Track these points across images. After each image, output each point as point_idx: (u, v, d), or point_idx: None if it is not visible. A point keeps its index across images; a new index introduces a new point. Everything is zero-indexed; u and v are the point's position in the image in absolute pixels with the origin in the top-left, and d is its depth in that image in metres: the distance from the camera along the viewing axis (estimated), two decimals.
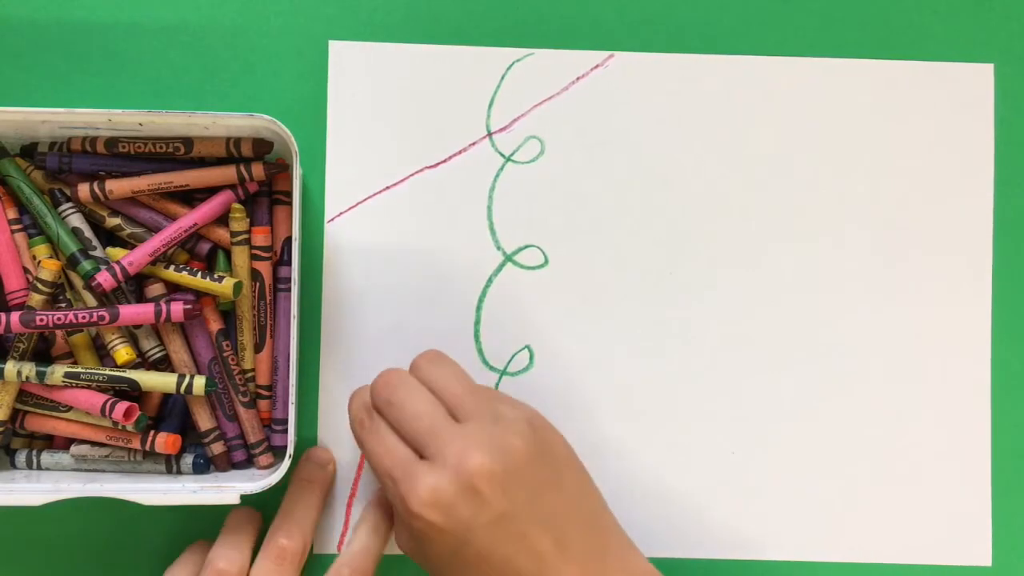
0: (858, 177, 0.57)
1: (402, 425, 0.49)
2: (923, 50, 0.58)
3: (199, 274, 0.52)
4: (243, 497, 0.50)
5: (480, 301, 0.57)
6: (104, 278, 0.51)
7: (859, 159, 0.57)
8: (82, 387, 0.52)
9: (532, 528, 0.47)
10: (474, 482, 0.46)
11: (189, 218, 0.52)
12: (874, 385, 0.57)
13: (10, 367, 0.51)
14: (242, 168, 0.53)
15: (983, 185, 0.57)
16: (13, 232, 0.53)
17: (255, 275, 0.54)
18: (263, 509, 0.55)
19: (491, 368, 0.57)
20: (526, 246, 0.57)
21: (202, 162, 0.54)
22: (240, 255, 0.53)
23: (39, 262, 0.52)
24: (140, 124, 0.51)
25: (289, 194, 0.54)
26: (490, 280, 0.57)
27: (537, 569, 0.47)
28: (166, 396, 0.54)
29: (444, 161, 0.57)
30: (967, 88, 0.58)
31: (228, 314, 0.55)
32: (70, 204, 0.53)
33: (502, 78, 0.57)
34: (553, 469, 0.49)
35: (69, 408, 0.53)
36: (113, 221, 0.53)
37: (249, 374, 0.54)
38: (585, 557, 0.48)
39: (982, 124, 0.58)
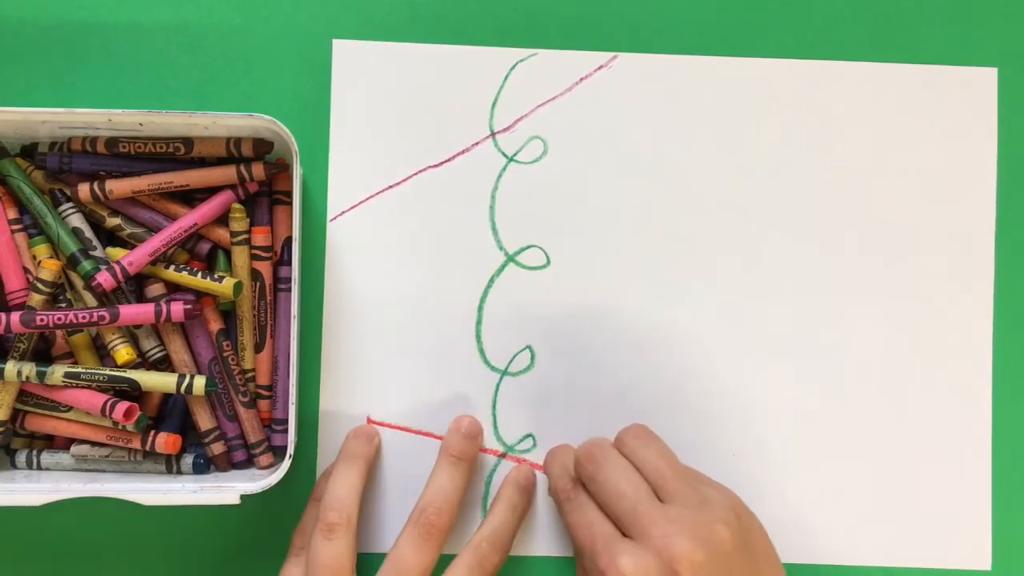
0: (860, 180, 0.57)
1: (607, 502, 0.50)
2: (926, 53, 0.58)
3: (199, 274, 0.52)
4: (243, 497, 0.50)
5: (482, 301, 0.57)
6: (104, 278, 0.51)
7: (862, 162, 0.57)
8: (82, 387, 0.52)
9: None
10: (677, 568, 0.46)
11: (189, 218, 0.52)
12: (874, 387, 0.57)
13: (10, 367, 0.51)
14: (242, 168, 0.53)
15: (986, 188, 0.57)
16: (13, 232, 0.53)
17: (255, 275, 0.54)
18: (263, 509, 0.55)
19: (492, 368, 0.57)
20: (528, 246, 0.57)
21: (202, 162, 0.53)
22: (240, 255, 0.53)
23: (39, 262, 0.52)
24: (140, 124, 0.51)
25: (289, 194, 0.54)
26: (492, 280, 0.57)
27: None
28: (166, 396, 0.54)
29: (447, 161, 0.57)
30: (970, 92, 0.57)
31: (228, 314, 0.55)
32: (70, 204, 0.53)
33: (505, 78, 0.57)
34: (753, 561, 0.49)
35: (69, 408, 0.53)
36: (113, 221, 0.53)
37: (249, 374, 0.54)
38: None
39: (985, 127, 0.57)
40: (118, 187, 0.52)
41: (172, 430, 0.53)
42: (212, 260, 0.54)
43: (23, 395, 0.53)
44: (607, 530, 0.49)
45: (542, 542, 0.56)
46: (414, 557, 0.51)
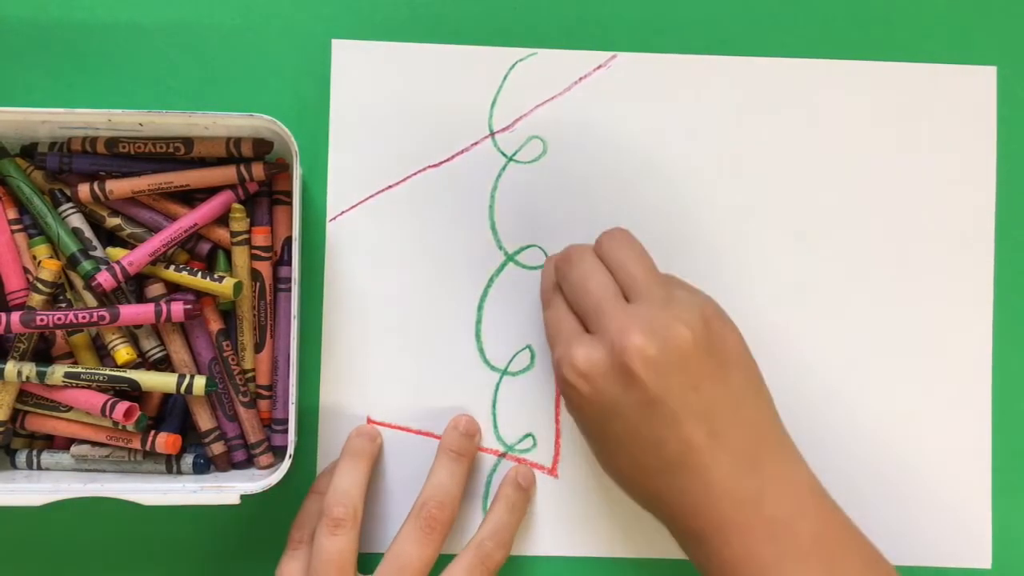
0: (860, 179, 0.57)
1: (574, 300, 0.50)
2: (925, 52, 0.58)
3: (199, 274, 0.52)
4: (243, 497, 0.50)
5: (481, 300, 0.57)
6: (104, 278, 0.51)
7: (861, 161, 0.57)
8: (82, 387, 0.52)
9: (686, 417, 0.46)
10: (627, 361, 0.46)
11: (189, 218, 0.52)
12: (874, 386, 0.57)
13: (10, 367, 0.51)
14: (242, 168, 0.53)
15: (985, 187, 0.57)
16: (13, 232, 0.53)
17: (255, 275, 0.54)
18: (263, 509, 0.55)
19: (492, 367, 0.57)
20: (528, 246, 0.57)
21: (202, 162, 0.53)
22: (240, 255, 0.53)
23: (39, 262, 0.52)
24: (140, 124, 0.51)
25: (289, 194, 0.54)
26: (491, 280, 0.57)
27: (685, 458, 0.47)
28: (166, 396, 0.54)
29: (446, 160, 0.57)
30: (969, 91, 0.57)
31: (228, 314, 0.55)
32: (70, 204, 0.53)
33: (504, 78, 0.57)
34: (719, 364, 0.48)
35: (69, 408, 0.53)
36: (113, 221, 0.53)
37: (249, 374, 0.54)
38: (739, 454, 0.47)
39: (984, 127, 0.57)
40: (118, 187, 0.52)
41: (172, 430, 0.53)
42: (212, 260, 0.54)
43: (23, 395, 0.53)
44: (571, 326, 0.50)
45: (542, 542, 0.56)
46: (416, 551, 0.51)
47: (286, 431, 0.54)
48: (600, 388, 0.47)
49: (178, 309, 0.51)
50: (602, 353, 0.47)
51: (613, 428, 0.48)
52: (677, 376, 0.46)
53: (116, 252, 0.52)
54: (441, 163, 0.57)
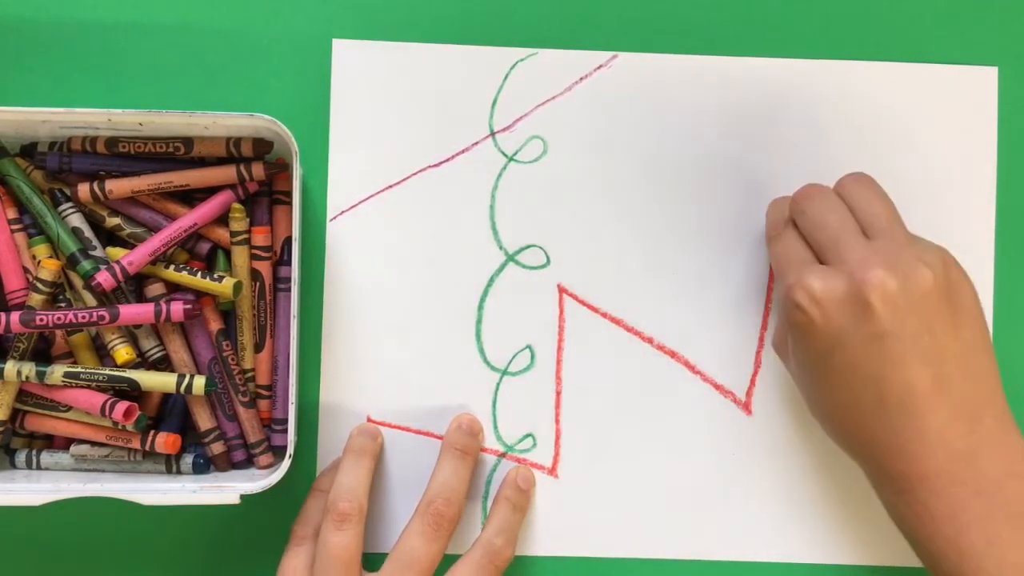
0: None
1: (810, 232, 0.50)
2: (927, 53, 0.58)
3: (199, 274, 0.52)
4: (243, 497, 0.50)
5: (482, 301, 0.57)
6: (104, 278, 0.51)
7: (862, 161, 0.57)
8: (82, 387, 0.52)
9: (912, 359, 0.46)
10: (866, 292, 0.46)
11: (189, 218, 0.52)
12: None
13: (10, 367, 0.51)
14: (242, 168, 0.53)
15: (986, 188, 0.57)
16: (13, 232, 0.53)
17: (255, 275, 0.54)
18: (263, 509, 0.55)
19: (492, 368, 0.57)
20: (528, 246, 0.57)
21: (202, 162, 0.53)
22: (240, 255, 0.53)
23: (39, 262, 0.52)
24: (140, 124, 0.51)
25: (289, 194, 0.54)
26: (492, 280, 0.57)
27: (906, 399, 0.46)
28: (166, 396, 0.54)
29: (447, 160, 0.57)
30: (971, 91, 0.57)
31: (228, 314, 0.55)
32: (70, 204, 0.53)
33: (505, 78, 0.57)
34: (954, 313, 0.47)
35: (69, 408, 0.53)
36: (113, 221, 0.53)
37: (249, 374, 0.54)
38: (960, 407, 0.47)
39: (985, 127, 0.57)
40: (118, 187, 0.52)
41: (172, 430, 0.53)
42: (212, 260, 0.54)
43: (23, 395, 0.53)
44: (805, 255, 0.50)
45: (542, 542, 0.56)
46: (424, 547, 0.51)
47: (286, 431, 0.54)
48: (832, 316, 0.47)
49: (178, 309, 0.51)
50: (840, 282, 0.47)
51: (835, 360, 0.47)
52: (912, 316, 0.46)
53: (116, 252, 0.52)
54: (441, 163, 0.57)
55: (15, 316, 0.51)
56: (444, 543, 0.52)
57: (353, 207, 0.57)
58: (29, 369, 0.51)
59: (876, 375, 0.47)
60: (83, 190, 0.52)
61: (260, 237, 0.54)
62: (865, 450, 0.49)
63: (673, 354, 0.57)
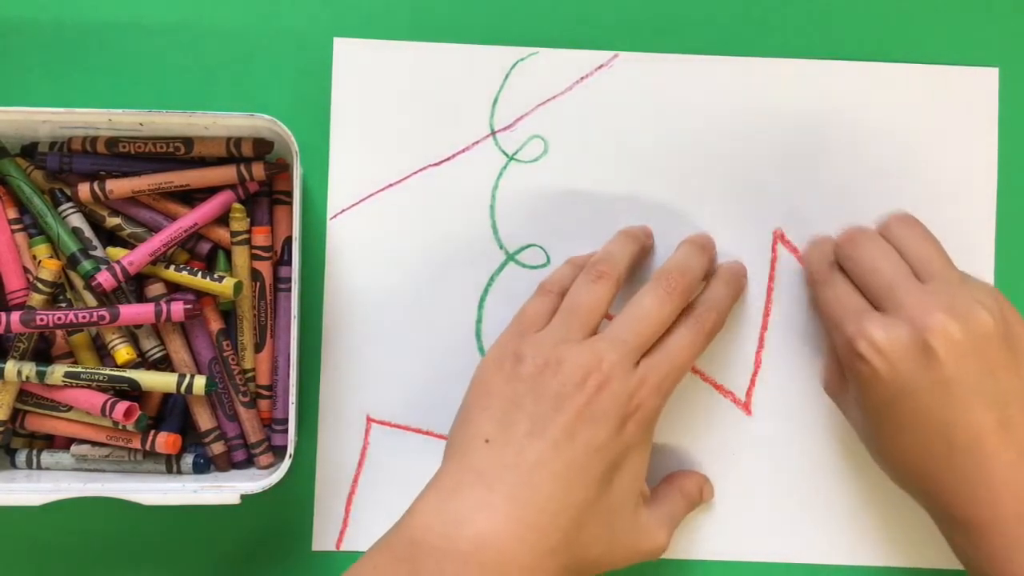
0: (861, 180, 0.57)
1: (862, 278, 0.50)
2: (927, 53, 0.57)
3: (199, 274, 0.52)
4: (243, 497, 0.50)
5: (482, 300, 0.57)
6: (104, 278, 0.51)
7: (862, 162, 0.57)
8: (82, 387, 0.52)
9: (977, 402, 0.47)
10: (930, 340, 0.46)
11: (189, 218, 0.52)
12: None
13: (10, 367, 0.51)
14: (242, 168, 0.53)
15: (986, 189, 0.57)
16: (13, 232, 0.53)
17: (255, 275, 0.54)
18: (263, 509, 0.55)
19: None
20: (528, 245, 0.57)
21: (202, 162, 0.53)
22: (240, 255, 0.53)
23: (39, 262, 0.52)
24: (140, 124, 0.51)
25: (289, 194, 0.54)
26: (492, 279, 0.57)
27: (972, 443, 0.47)
28: (166, 396, 0.54)
29: (447, 159, 0.57)
30: (971, 92, 0.57)
31: (228, 314, 0.55)
32: (70, 204, 0.53)
33: (506, 77, 0.57)
34: (1014, 353, 0.48)
35: (69, 408, 0.53)
36: (113, 221, 0.53)
37: (249, 374, 0.54)
38: None
39: (986, 128, 0.57)
40: (118, 187, 0.52)
41: (172, 430, 0.53)
42: (212, 260, 0.54)
43: (23, 395, 0.53)
44: (858, 303, 0.50)
45: None
46: (656, 307, 0.51)
47: (286, 431, 0.54)
48: (896, 366, 0.47)
49: (178, 309, 0.51)
50: (902, 330, 0.47)
51: (900, 408, 0.48)
52: (975, 359, 0.47)
53: (116, 252, 0.52)
54: (442, 162, 0.57)
55: (15, 316, 0.51)
56: (675, 309, 0.51)
57: (353, 206, 0.57)
58: (29, 369, 0.51)
59: (942, 421, 0.47)
60: (83, 190, 0.52)
61: (260, 237, 0.54)
62: (933, 495, 0.49)
63: None
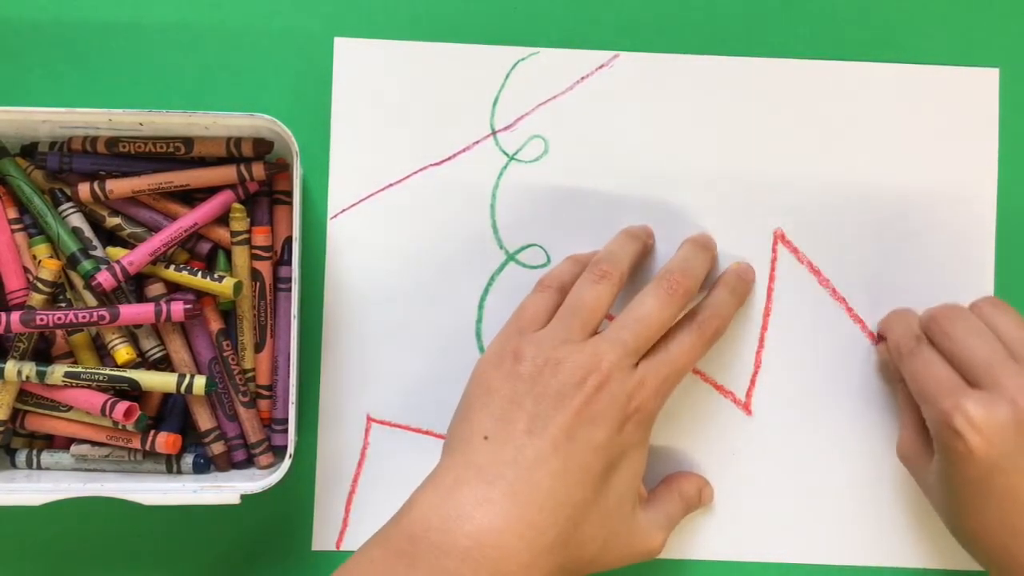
0: (861, 180, 0.57)
1: (956, 355, 0.50)
2: (928, 54, 0.57)
3: (199, 274, 0.52)
4: (243, 497, 0.50)
5: (482, 300, 0.57)
6: (104, 278, 0.51)
7: (862, 162, 0.57)
8: (82, 387, 0.52)
9: None
10: None
11: (189, 218, 0.52)
12: (875, 385, 0.57)
13: (10, 367, 0.51)
14: (242, 168, 0.53)
15: (987, 189, 0.57)
16: (13, 232, 0.53)
17: (255, 275, 0.54)
18: (263, 509, 0.55)
19: None
20: (529, 245, 0.57)
21: (202, 162, 0.53)
22: (240, 255, 0.53)
23: (39, 262, 0.52)
24: (140, 124, 0.51)
25: (289, 194, 0.54)
26: (492, 279, 0.57)
27: None
28: (166, 396, 0.54)
29: (448, 159, 0.57)
30: (972, 92, 0.57)
31: (228, 314, 0.55)
32: (70, 204, 0.53)
33: (506, 77, 0.57)
34: None
35: (69, 408, 0.53)
36: (113, 221, 0.53)
37: (249, 374, 0.54)
38: None
39: (986, 128, 0.57)
40: (118, 187, 0.52)
41: (172, 430, 0.53)
42: (212, 260, 0.54)
43: (23, 395, 0.53)
44: (953, 378, 0.49)
45: None
46: (656, 308, 0.51)
47: (286, 431, 0.54)
48: (994, 443, 0.47)
49: (178, 309, 0.51)
50: (1003, 409, 0.47)
51: (990, 485, 0.48)
52: None
53: (116, 252, 0.52)
54: (442, 162, 0.57)
55: (15, 316, 0.51)
56: (676, 311, 0.51)
57: (353, 206, 0.57)
58: (29, 369, 0.51)
59: None
60: (83, 190, 0.52)
61: (260, 237, 0.54)
62: (1008, 568, 0.49)
63: None
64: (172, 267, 0.52)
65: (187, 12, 0.56)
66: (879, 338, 0.56)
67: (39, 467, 0.54)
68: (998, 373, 0.48)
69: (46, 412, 0.53)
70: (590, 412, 0.48)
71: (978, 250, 0.57)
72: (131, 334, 0.53)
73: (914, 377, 0.51)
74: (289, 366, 0.52)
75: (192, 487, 0.51)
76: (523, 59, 0.57)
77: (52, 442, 0.55)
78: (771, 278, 0.57)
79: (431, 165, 0.57)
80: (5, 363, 0.51)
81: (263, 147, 0.53)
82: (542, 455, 0.47)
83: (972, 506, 0.49)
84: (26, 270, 0.53)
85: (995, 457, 0.47)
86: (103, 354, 0.53)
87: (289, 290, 0.54)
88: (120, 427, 0.52)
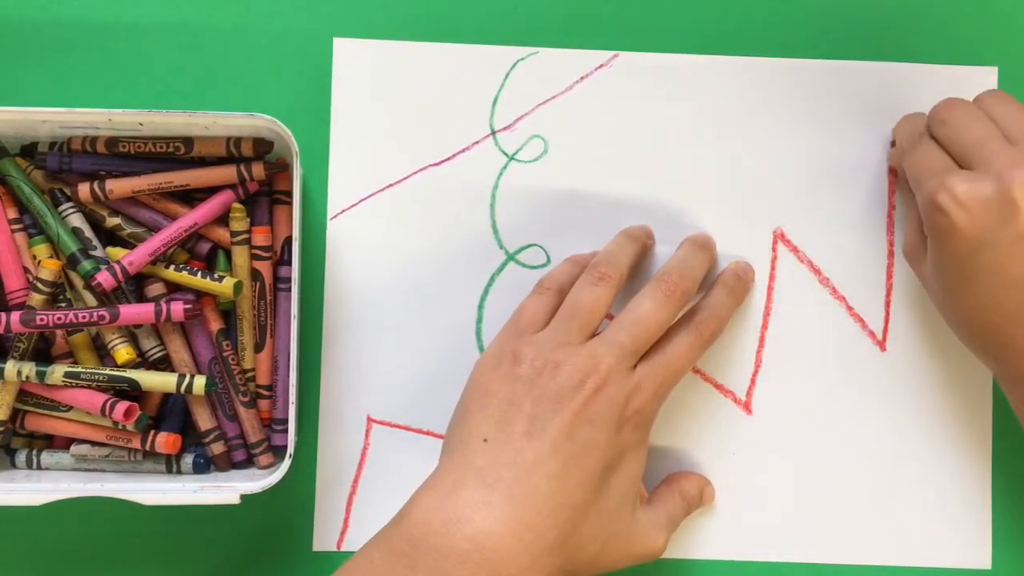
0: (860, 180, 0.57)
1: (951, 140, 0.49)
2: (927, 53, 0.57)
3: (199, 274, 0.52)
4: (243, 497, 0.50)
5: (482, 300, 0.57)
6: (104, 278, 0.51)
7: (862, 162, 0.57)
8: (82, 387, 0.52)
9: None
10: (1014, 192, 0.46)
11: (189, 218, 0.52)
12: (874, 385, 0.57)
13: (10, 367, 0.51)
14: (242, 168, 0.53)
15: None
16: (13, 232, 0.53)
17: (255, 275, 0.54)
18: (263, 509, 0.55)
19: None
20: (528, 245, 0.57)
21: (202, 162, 0.53)
22: (240, 255, 0.53)
23: (39, 262, 0.52)
24: (140, 124, 0.51)
25: (289, 194, 0.54)
26: (492, 279, 0.57)
27: None
28: (166, 396, 0.54)
29: (447, 159, 0.57)
30: (970, 91, 0.57)
31: (228, 314, 0.55)
32: (70, 204, 0.53)
33: (506, 77, 0.57)
34: None
35: (69, 408, 0.53)
36: (113, 221, 0.53)
37: (249, 374, 0.54)
38: None
39: None
40: (118, 187, 0.52)
41: (172, 430, 0.53)
42: (212, 260, 0.54)
43: (23, 395, 0.53)
44: (945, 162, 0.49)
45: None
46: (654, 310, 0.51)
47: (286, 431, 0.54)
48: (977, 218, 0.46)
49: (178, 309, 0.51)
50: (987, 183, 0.46)
51: (977, 262, 0.47)
52: None
53: (116, 252, 0.52)
54: (442, 162, 0.57)
55: (15, 316, 0.51)
56: (673, 314, 0.52)
57: (353, 206, 0.57)
58: (29, 369, 0.51)
59: (1017, 276, 0.47)
60: (83, 190, 0.52)
61: (260, 237, 0.54)
62: (1002, 353, 0.49)
63: None
64: (172, 267, 0.52)
65: (187, 12, 0.56)
66: (892, 144, 0.57)
67: (39, 467, 0.53)
68: (989, 151, 0.48)
69: (46, 412, 0.53)
70: (588, 414, 0.48)
71: None
72: (131, 334, 0.53)
73: (911, 168, 0.51)
74: (289, 366, 0.52)
75: (192, 487, 0.51)
76: (522, 59, 0.57)
77: (52, 442, 0.54)
78: (771, 278, 0.57)
79: (431, 165, 0.57)
80: (5, 363, 0.51)
81: (263, 147, 0.53)
82: (541, 457, 0.48)
83: (963, 287, 0.49)
84: (26, 270, 0.53)
85: (980, 232, 0.47)
86: (103, 354, 0.53)
87: (289, 290, 0.54)
88: (120, 427, 0.52)
